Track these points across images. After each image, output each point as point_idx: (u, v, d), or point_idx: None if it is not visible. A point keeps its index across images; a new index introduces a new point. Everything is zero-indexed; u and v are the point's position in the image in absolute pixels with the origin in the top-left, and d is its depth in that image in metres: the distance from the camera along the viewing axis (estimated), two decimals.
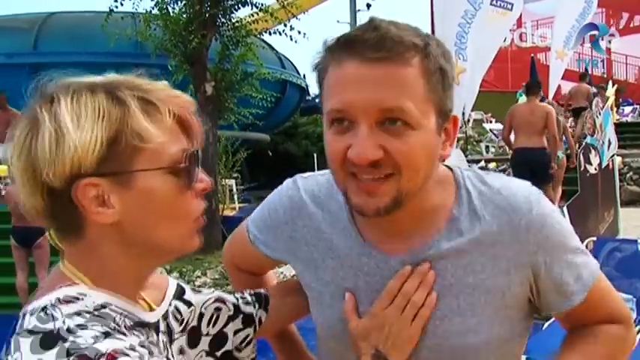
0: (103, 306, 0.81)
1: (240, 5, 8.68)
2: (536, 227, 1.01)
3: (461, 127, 11.30)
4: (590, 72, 16.71)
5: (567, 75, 12.80)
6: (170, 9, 8.60)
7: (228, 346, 1.09)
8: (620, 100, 16.83)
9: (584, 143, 7.37)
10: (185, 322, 1.02)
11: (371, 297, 1.04)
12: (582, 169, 6.19)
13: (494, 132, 15.92)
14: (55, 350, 0.71)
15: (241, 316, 1.11)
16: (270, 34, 9.70)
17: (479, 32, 5.22)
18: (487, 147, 15.44)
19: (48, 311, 0.76)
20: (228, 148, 10.68)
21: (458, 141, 8.11)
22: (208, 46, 8.49)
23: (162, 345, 0.92)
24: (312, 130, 18.20)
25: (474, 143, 16.04)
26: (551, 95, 10.45)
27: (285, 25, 9.10)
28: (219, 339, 1.08)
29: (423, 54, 0.92)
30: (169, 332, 0.97)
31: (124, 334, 0.79)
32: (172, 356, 0.95)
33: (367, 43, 0.90)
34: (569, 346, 1.10)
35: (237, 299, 1.13)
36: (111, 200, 0.81)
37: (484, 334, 1.01)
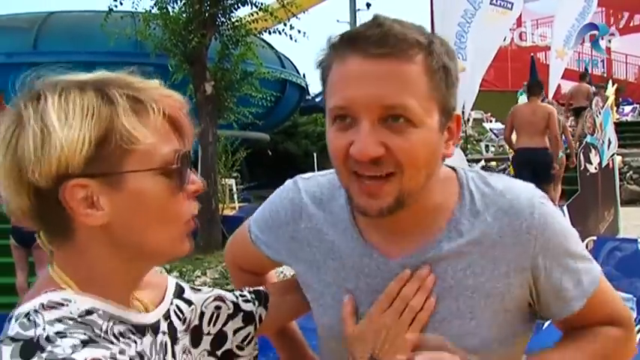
0: (89, 312, 0.79)
1: (239, 4, 8.67)
2: (538, 230, 0.99)
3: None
4: (590, 71, 16.71)
5: (567, 74, 12.82)
6: (170, 8, 8.60)
7: (228, 345, 1.08)
8: (620, 99, 16.83)
9: (584, 142, 7.37)
10: (188, 321, 1.01)
11: (372, 298, 1.03)
12: (582, 168, 6.18)
13: (494, 131, 15.93)
14: None
15: (241, 314, 1.11)
16: (269, 33, 9.70)
17: (479, 31, 5.22)
18: (487, 146, 15.45)
19: (31, 317, 0.75)
20: (228, 148, 10.67)
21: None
22: (208, 45, 8.49)
23: (162, 346, 0.91)
24: (312, 130, 18.19)
25: (474, 143, 16.04)
26: (551, 94, 10.45)
27: (285, 25, 9.09)
28: (220, 338, 1.07)
29: (427, 51, 0.92)
30: (173, 331, 0.96)
31: (111, 342, 0.78)
32: (175, 356, 0.94)
33: (370, 40, 0.90)
34: (565, 340, 1.10)
35: (237, 297, 1.12)
36: (100, 202, 0.79)
37: (483, 337, 1.00)
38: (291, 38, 9.04)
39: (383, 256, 1.04)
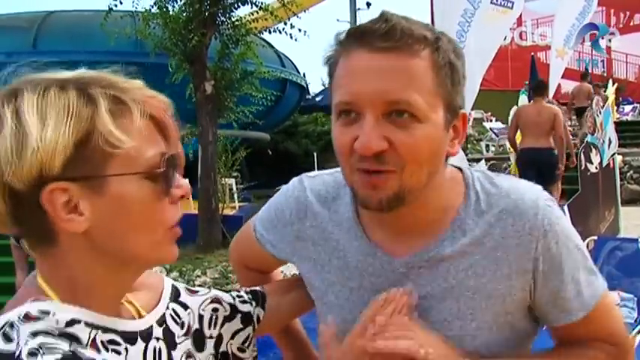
0: (72, 322, 0.75)
1: (239, 3, 8.66)
2: (540, 233, 0.98)
3: None
4: (590, 71, 16.73)
5: (567, 74, 12.80)
6: (170, 7, 8.59)
7: (223, 347, 1.06)
8: (621, 98, 16.83)
9: (585, 142, 7.36)
10: (187, 325, 0.98)
11: (375, 297, 1.02)
12: (583, 167, 6.17)
13: (495, 131, 15.93)
14: None
15: (239, 315, 1.09)
16: (270, 32, 9.68)
17: (479, 31, 5.21)
18: (487, 146, 15.44)
19: (13, 328, 0.72)
20: (228, 147, 10.65)
21: None
22: (208, 44, 8.48)
23: (156, 352, 0.88)
24: (312, 129, 18.20)
25: (474, 142, 16.04)
26: (551, 94, 10.44)
27: (286, 24, 9.08)
28: (219, 340, 1.06)
29: (433, 47, 0.92)
30: (170, 336, 0.93)
31: (97, 351, 0.76)
32: None
33: (376, 33, 0.90)
34: (558, 349, 1.07)
35: (234, 298, 1.10)
36: (81, 206, 0.75)
37: (483, 339, 0.99)
38: (291, 37, 9.03)
39: (387, 254, 1.03)
